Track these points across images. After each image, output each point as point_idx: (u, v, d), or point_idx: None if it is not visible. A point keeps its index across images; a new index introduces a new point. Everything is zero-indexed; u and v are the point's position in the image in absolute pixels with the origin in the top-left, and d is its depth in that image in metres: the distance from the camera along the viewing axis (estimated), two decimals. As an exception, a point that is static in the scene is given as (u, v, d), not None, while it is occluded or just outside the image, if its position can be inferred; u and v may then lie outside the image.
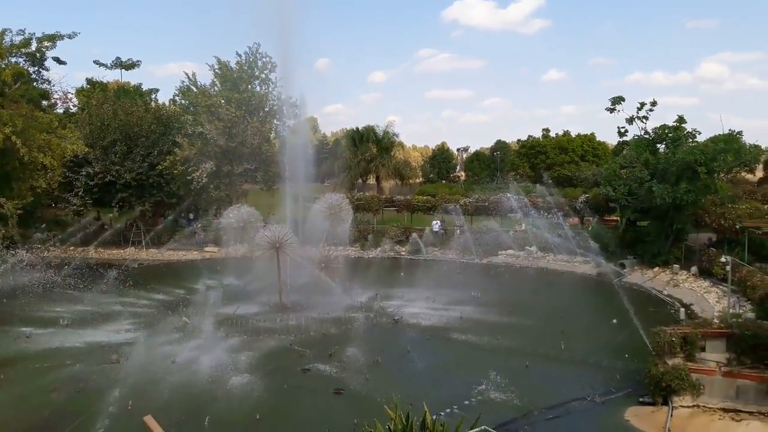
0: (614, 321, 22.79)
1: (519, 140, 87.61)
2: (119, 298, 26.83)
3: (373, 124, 65.85)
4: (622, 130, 36.70)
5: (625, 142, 37.33)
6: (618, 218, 39.20)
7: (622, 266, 32.48)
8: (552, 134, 79.14)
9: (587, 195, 41.52)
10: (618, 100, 35.61)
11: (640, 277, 31.02)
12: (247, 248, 25.07)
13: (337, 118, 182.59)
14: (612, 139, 62.93)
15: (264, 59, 47.02)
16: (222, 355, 18.76)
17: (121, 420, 13.91)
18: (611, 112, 36.10)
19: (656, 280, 30.08)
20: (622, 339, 20.63)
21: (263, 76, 47.37)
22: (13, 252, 26.49)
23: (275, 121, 48.47)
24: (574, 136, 76.64)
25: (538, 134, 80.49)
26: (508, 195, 42.22)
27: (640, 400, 15.38)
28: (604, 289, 30.30)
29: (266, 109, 47.39)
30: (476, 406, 14.44)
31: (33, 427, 13.96)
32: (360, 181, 67.77)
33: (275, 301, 24.43)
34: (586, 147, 73.84)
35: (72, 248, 39.06)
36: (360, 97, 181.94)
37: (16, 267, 28.36)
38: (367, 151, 63.69)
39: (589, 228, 40.47)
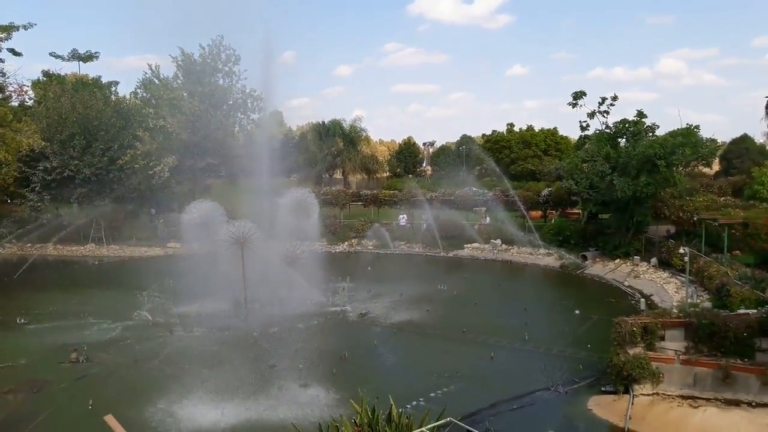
0: (577, 312, 23.23)
1: (484, 135, 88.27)
2: (78, 296, 26.10)
3: (340, 118, 65.50)
4: (584, 125, 37.26)
5: (586, 137, 37.88)
6: (580, 211, 39.90)
7: (584, 258, 33.09)
8: (516, 129, 79.92)
9: (550, 189, 42.13)
10: (579, 94, 36.12)
11: (602, 268, 31.63)
12: (210, 244, 24.57)
13: (303, 111, 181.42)
14: (574, 134, 63.81)
15: (227, 51, 46.20)
16: (183, 353, 18.44)
17: (82, 420, 13.52)
18: (573, 107, 36.58)
19: (617, 271, 30.71)
20: (585, 329, 21.06)
21: (227, 68, 46.55)
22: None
23: (239, 115, 47.73)
24: (537, 130, 77.48)
25: (502, 128, 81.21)
26: (473, 189, 42.59)
27: (603, 389, 15.68)
28: (566, 280, 30.83)
29: (230, 103, 46.63)
30: (442, 398, 14.50)
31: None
32: (326, 175, 67.45)
33: (240, 298, 24.10)
34: (549, 141, 74.74)
35: (29, 245, 37.86)
36: (325, 90, 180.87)
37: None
38: (334, 145, 63.42)
39: (552, 221, 41.14)
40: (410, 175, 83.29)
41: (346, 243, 40.88)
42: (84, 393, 15.04)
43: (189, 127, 41.77)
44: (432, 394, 14.84)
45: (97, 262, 36.73)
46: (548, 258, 35.08)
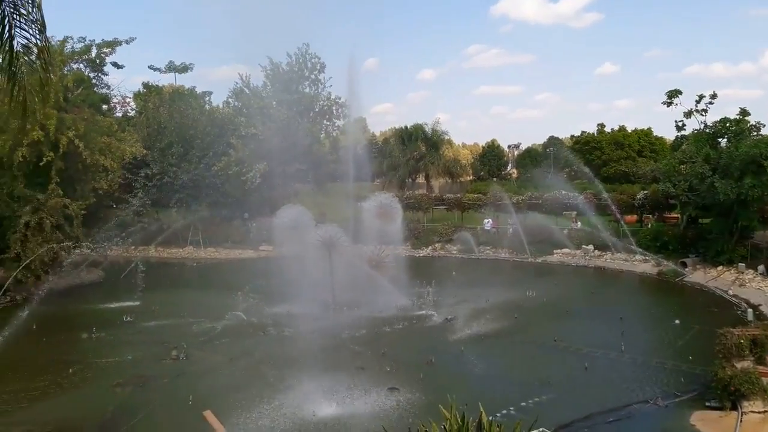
0: (677, 322, 21.91)
1: (572, 136, 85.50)
2: (178, 296, 27.56)
3: (422, 122, 65.55)
4: (680, 124, 35.34)
5: (683, 137, 35.89)
6: (678, 215, 37.77)
7: (684, 265, 31.19)
8: (607, 129, 76.86)
9: (646, 192, 40.12)
10: (675, 93, 34.26)
11: (703, 276, 29.68)
12: (299, 247, 25.29)
13: (386, 117, 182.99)
14: (670, 134, 60.55)
15: (313, 60, 47.53)
16: (276, 352, 19.01)
17: (182, 414, 14.25)
18: (668, 106, 34.78)
19: (720, 279, 28.73)
20: (686, 341, 19.83)
21: (313, 76, 47.88)
22: (78, 251, 27.57)
23: (325, 122, 48.94)
24: (630, 131, 74.16)
25: (592, 129, 78.35)
26: (563, 192, 41.26)
27: (707, 404, 14.66)
28: (664, 288, 29.19)
29: (316, 110, 47.89)
30: (533, 408, 14.07)
31: (100, 421, 14.42)
32: (409, 179, 67.64)
33: (327, 300, 24.59)
34: (643, 142, 71.32)
35: (133, 248, 40.47)
36: (408, 95, 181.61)
37: (81, 266, 29.51)
38: (416, 149, 63.47)
39: (649, 225, 39.13)
40: (495, 179, 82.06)
41: (430, 247, 40.74)
42: (184, 389, 15.83)
43: (278, 134, 43.21)
44: (523, 404, 14.42)
45: (195, 264, 38.70)
46: (645, 265, 33.36)
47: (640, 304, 27.37)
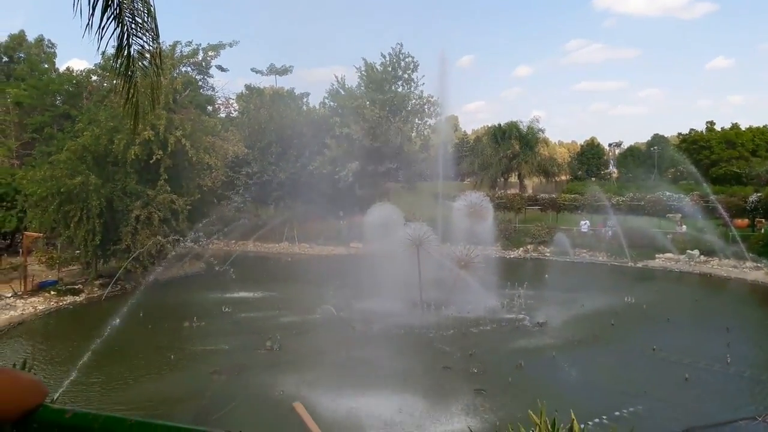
0: (793, 335, 20.12)
1: (679, 134, 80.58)
2: (273, 289, 28.65)
3: (516, 119, 64.29)
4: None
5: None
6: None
7: (804, 274, 28.56)
8: (717, 127, 71.80)
9: (759, 194, 37.07)
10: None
11: (829, 287, 27.04)
12: (388, 245, 25.56)
13: (478, 115, 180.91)
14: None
15: (407, 59, 47.77)
16: (364, 348, 19.34)
17: (274, 404, 14.85)
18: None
19: None
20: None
21: (406, 76, 48.13)
22: (183, 244, 29.22)
23: (416, 120, 49.07)
24: (743, 128, 68.85)
25: (701, 127, 73.47)
26: (667, 193, 39.00)
27: (826, 426, 13.37)
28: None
29: (408, 109, 48.12)
30: (628, 418, 13.40)
31: (197, 405, 15.30)
32: (502, 179, 66.47)
33: (415, 298, 24.69)
34: (758, 140, 66.01)
35: (233, 242, 42.57)
36: (502, 93, 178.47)
37: (184, 258, 31.37)
38: (510, 148, 62.31)
39: (762, 230, 36.16)
40: (593, 178, 78.91)
41: (522, 249, 39.83)
42: (276, 379, 16.44)
43: (371, 133, 43.87)
44: (617, 413, 13.77)
45: (290, 259, 40.14)
46: (756, 272, 30.86)
47: (750, 314, 25.31)
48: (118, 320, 19.58)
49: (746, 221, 38.53)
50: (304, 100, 62.98)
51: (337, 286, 27.44)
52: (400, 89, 48.26)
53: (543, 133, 68.30)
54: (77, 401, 14.79)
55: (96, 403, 14.93)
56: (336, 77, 50.97)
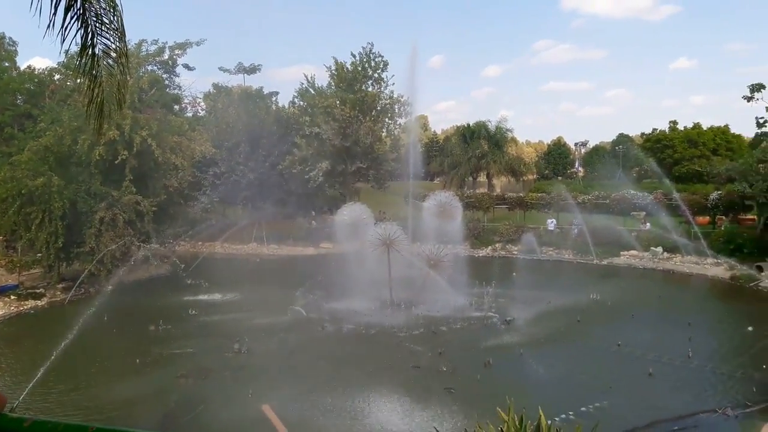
0: (750, 329, 20.83)
1: (643, 134, 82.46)
2: (240, 291, 28.33)
3: (486, 119, 64.94)
4: (761, 121, 33.56)
5: (764, 134, 34.04)
6: (755, 217, 35.84)
7: (760, 269, 29.51)
8: (680, 127, 73.72)
9: (719, 192, 38.22)
10: (758, 87, 32.64)
11: (783, 282, 28.00)
12: (358, 244, 25.58)
13: (448, 115, 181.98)
14: (749, 132, 57.42)
15: (377, 59, 47.81)
16: (334, 348, 19.33)
17: (242, 406, 14.73)
18: (749, 101, 33.18)
19: (803, 286, 27.02)
20: (759, 349, 18.79)
21: (376, 75, 48.16)
22: (148, 246, 28.70)
23: (387, 120, 49.13)
24: (705, 128, 70.87)
25: (664, 127, 75.33)
26: (631, 192, 39.90)
27: (781, 416, 13.89)
28: (737, 293, 27.77)
29: (378, 108, 48.15)
30: (594, 414, 13.68)
31: (164, 410, 15.06)
32: (470, 178, 67.04)
33: (385, 298, 24.76)
34: (719, 140, 68.01)
35: (200, 243, 42.00)
36: (472, 93, 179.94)
37: (150, 260, 30.76)
38: (478, 147, 62.85)
39: (722, 227, 37.30)
40: (560, 177, 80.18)
41: (490, 247, 40.27)
42: (244, 382, 16.29)
43: (340, 133, 43.78)
44: (583, 409, 14.05)
45: (258, 260, 39.79)
46: (717, 268, 31.80)
47: (711, 309, 26.12)
48: (81, 324, 19.14)
49: (707, 219, 39.67)
50: (273, 99, 62.53)
51: (307, 287, 27.35)
52: (370, 89, 48.25)
53: (511, 132, 69.16)
54: (39, 409, 14.43)
55: (60, 409, 14.59)
56: (306, 76, 50.78)
